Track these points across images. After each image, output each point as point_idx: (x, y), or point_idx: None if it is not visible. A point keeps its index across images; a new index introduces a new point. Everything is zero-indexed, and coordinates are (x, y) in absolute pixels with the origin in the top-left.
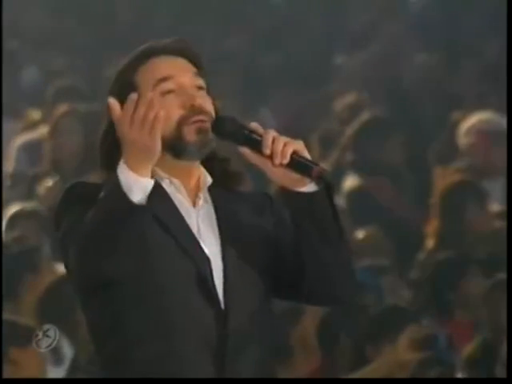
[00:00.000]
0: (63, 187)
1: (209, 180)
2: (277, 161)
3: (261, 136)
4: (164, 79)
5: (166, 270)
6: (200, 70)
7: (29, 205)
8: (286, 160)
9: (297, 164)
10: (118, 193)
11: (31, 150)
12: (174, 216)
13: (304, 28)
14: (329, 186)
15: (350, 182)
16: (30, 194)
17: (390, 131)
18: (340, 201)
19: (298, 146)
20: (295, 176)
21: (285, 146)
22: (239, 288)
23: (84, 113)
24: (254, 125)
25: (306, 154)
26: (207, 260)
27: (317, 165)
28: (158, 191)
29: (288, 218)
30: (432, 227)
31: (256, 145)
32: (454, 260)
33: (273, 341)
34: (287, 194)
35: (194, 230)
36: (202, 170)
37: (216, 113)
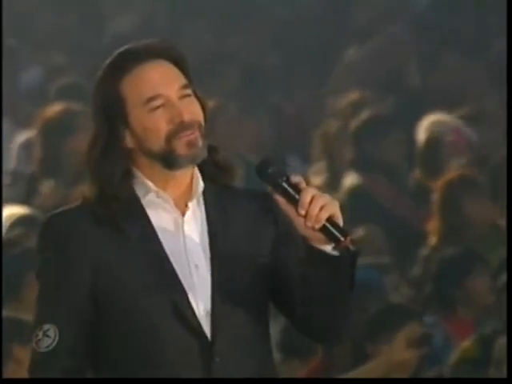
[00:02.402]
0: (62, 190)
1: (201, 185)
2: (309, 224)
3: (300, 191)
4: (152, 98)
5: (145, 304)
6: (185, 71)
7: (27, 210)
8: (319, 225)
9: (328, 230)
10: None
11: (30, 149)
12: (150, 242)
13: (304, 28)
14: (354, 255)
15: (351, 179)
16: (29, 194)
17: (391, 129)
18: (340, 198)
19: (334, 210)
20: (322, 236)
21: (320, 211)
22: (229, 309)
23: (81, 112)
24: (296, 178)
25: (340, 220)
26: (184, 292)
27: (347, 235)
28: (136, 214)
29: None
30: (433, 224)
31: (292, 199)
32: (460, 257)
33: (270, 352)
34: (308, 247)
35: (181, 243)
36: (196, 171)
37: (204, 113)
